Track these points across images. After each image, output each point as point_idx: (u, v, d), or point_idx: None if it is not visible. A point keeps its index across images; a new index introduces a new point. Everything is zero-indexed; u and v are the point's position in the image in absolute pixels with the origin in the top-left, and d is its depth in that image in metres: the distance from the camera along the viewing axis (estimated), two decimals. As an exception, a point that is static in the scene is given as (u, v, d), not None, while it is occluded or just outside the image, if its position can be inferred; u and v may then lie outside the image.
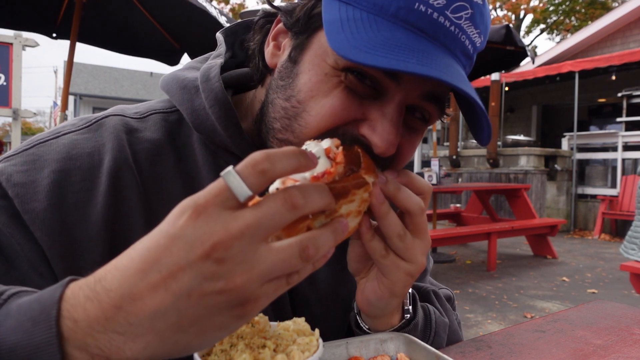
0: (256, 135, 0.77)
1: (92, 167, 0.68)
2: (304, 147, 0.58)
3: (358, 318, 0.79)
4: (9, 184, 0.64)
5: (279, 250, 0.42)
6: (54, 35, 4.69)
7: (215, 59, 0.80)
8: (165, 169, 0.74)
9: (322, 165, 0.53)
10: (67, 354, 0.41)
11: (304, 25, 0.69)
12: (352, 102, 0.65)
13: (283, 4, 0.76)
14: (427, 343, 0.80)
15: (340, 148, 0.57)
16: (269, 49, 0.76)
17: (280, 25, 0.74)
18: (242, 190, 0.41)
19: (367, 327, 0.78)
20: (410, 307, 0.79)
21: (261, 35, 0.79)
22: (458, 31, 0.62)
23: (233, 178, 0.41)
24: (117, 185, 0.68)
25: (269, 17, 0.78)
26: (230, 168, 0.42)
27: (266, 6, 0.79)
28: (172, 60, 5.08)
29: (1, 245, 0.61)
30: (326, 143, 0.58)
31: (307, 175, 0.51)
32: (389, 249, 0.66)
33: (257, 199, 0.44)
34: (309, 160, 0.45)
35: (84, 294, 0.41)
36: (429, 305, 0.87)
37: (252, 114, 0.80)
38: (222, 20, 4.12)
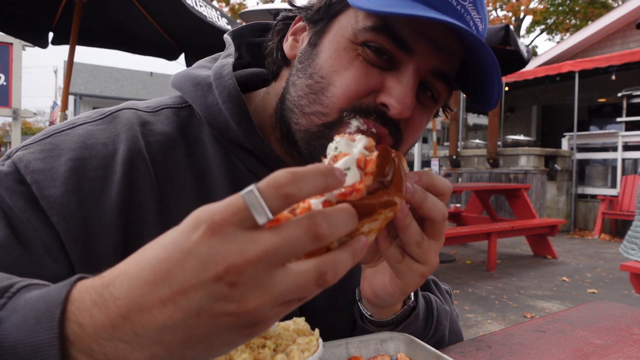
0: (274, 126, 0.79)
1: (107, 156, 0.71)
2: (333, 145, 0.56)
3: (360, 304, 0.80)
4: (27, 171, 0.66)
5: (296, 275, 0.40)
6: (52, 37, 4.67)
7: (226, 59, 0.83)
8: (177, 162, 0.76)
9: (352, 177, 0.50)
10: (72, 358, 0.40)
11: (324, 13, 0.74)
12: (372, 71, 0.70)
13: (303, 3, 0.81)
14: (430, 330, 0.83)
15: (375, 153, 0.53)
16: (288, 43, 0.81)
17: (300, 23, 0.79)
18: (262, 213, 0.39)
19: (369, 313, 0.80)
20: (412, 294, 0.80)
21: (280, 36, 0.83)
22: (464, 11, 0.69)
23: (254, 199, 0.38)
24: (132, 175, 0.70)
25: (287, 20, 0.83)
26: (252, 187, 0.39)
27: (287, 6, 0.84)
28: (171, 57, 5.10)
29: (17, 230, 0.62)
30: (359, 145, 0.55)
31: (335, 191, 0.47)
32: (405, 254, 0.66)
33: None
34: (337, 180, 0.43)
35: (90, 298, 0.41)
36: (429, 294, 0.89)
37: (266, 109, 0.83)
38: (223, 22, 4.13)
